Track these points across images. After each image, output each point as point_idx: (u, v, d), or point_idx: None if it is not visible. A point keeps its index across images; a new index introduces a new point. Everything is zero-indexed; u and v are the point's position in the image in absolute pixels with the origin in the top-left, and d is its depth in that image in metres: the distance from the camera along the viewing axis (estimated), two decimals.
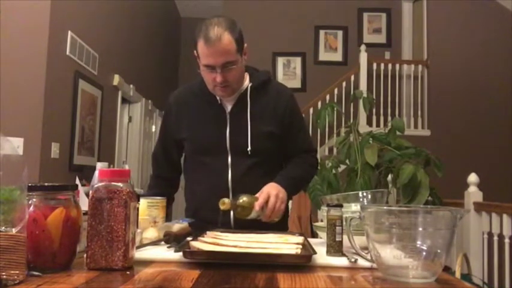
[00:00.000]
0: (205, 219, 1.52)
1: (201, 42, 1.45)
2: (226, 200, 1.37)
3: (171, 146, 1.70)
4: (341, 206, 1.14)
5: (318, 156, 1.93)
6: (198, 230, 1.28)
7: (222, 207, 1.36)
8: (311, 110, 5.75)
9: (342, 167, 3.58)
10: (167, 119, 1.70)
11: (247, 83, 1.60)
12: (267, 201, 1.43)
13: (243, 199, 1.40)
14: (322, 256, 1.06)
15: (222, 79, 1.46)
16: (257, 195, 1.44)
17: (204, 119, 1.59)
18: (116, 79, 4.51)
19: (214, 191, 1.54)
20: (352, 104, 5.58)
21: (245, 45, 1.53)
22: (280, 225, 1.55)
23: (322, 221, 1.51)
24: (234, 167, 1.56)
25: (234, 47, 1.46)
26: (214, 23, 1.45)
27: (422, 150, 3.23)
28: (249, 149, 1.54)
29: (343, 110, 5.49)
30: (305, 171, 1.69)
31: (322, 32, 6.66)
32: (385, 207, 1.01)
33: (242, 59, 1.52)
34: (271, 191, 1.46)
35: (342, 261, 1.04)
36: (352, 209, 1.25)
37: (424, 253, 0.88)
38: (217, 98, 1.58)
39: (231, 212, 1.53)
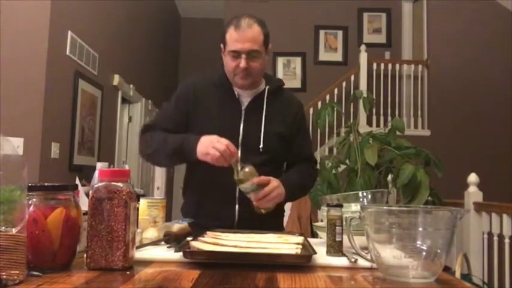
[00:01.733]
0: (209, 212, 1.55)
1: (231, 29, 1.54)
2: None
3: (178, 123, 1.63)
4: (341, 206, 1.14)
5: (318, 156, 1.96)
6: (198, 228, 1.28)
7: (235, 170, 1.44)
8: (311, 110, 5.75)
9: (342, 167, 3.58)
10: (182, 101, 1.64)
11: (263, 85, 1.67)
12: (265, 186, 1.46)
13: (249, 169, 1.45)
14: (322, 256, 1.06)
15: (245, 65, 1.53)
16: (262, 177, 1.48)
17: (220, 110, 1.61)
18: (116, 79, 4.52)
19: (221, 185, 1.56)
20: (352, 104, 5.57)
21: (270, 45, 1.62)
22: (275, 226, 1.59)
23: (322, 221, 1.51)
24: (243, 161, 1.56)
25: (262, 39, 1.55)
26: (245, 15, 1.56)
27: (422, 150, 3.23)
28: (261, 146, 1.58)
29: (343, 110, 5.49)
30: (305, 181, 1.73)
31: (322, 32, 6.66)
32: (385, 207, 1.01)
33: (266, 55, 1.60)
34: (275, 182, 1.49)
35: (342, 261, 1.04)
36: (352, 209, 1.25)
37: (424, 253, 0.88)
38: (236, 93, 1.62)
39: (236, 207, 1.56)
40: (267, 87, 1.66)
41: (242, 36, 1.52)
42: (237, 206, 1.56)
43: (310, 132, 5.95)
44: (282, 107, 1.67)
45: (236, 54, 1.54)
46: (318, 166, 3.33)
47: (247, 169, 1.44)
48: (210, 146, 1.40)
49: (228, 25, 1.57)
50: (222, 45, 1.60)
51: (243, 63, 1.53)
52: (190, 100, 1.64)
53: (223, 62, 1.62)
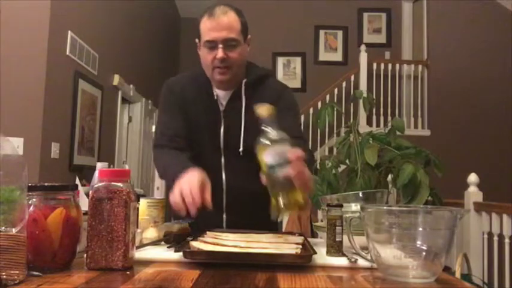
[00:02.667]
0: (196, 220, 1.42)
1: (204, 19, 1.43)
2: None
3: (180, 127, 1.50)
4: (341, 206, 1.14)
5: (318, 156, 1.91)
6: (198, 229, 1.28)
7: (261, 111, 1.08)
8: (311, 110, 5.76)
9: (342, 167, 3.58)
10: (173, 103, 1.53)
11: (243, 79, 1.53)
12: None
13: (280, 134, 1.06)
14: (322, 256, 1.06)
15: (223, 55, 1.40)
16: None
17: (200, 115, 1.50)
18: (116, 79, 4.52)
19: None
20: (352, 104, 5.58)
21: (249, 36, 1.49)
22: (271, 225, 1.51)
23: (322, 221, 1.51)
24: (227, 167, 1.50)
25: (239, 26, 1.43)
26: (220, 4, 1.45)
27: (422, 150, 3.23)
28: (240, 149, 1.46)
29: (343, 110, 5.49)
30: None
31: (322, 32, 6.66)
32: (385, 207, 1.01)
33: (245, 46, 1.47)
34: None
35: (342, 261, 1.03)
36: (352, 209, 1.25)
37: (424, 253, 0.88)
38: (214, 93, 1.50)
39: (224, 216, 1.46)
40: (244, 81, 1.50)
41: (217, 24, 1.40)
42: (224, 215, 1.48)
43: (310, 133, 5.88)
44: (262, 96, 1.47)
45: (212, 45, 1.41)
46: (318, 166, 3.34)
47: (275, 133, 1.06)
48: (179, 191, 1.18)
49: (202, 15, 1.44)
50: (197, 40, 1.48)
51: (220, 53, 1.40)
52: (178, 99, 1.53)
53: (200, 58, 1.48)
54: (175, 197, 1.19)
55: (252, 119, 1.42)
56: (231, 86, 1.49)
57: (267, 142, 0.97)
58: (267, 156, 0.95)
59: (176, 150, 1.46)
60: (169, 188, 1.33)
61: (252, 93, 1.50)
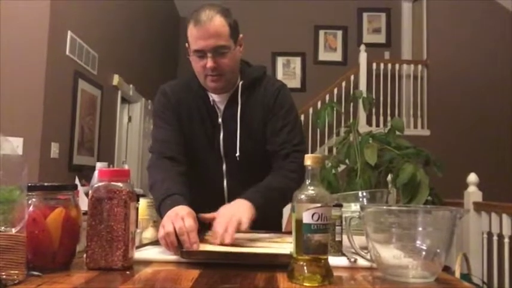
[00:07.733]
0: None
1: (191, 26, 1.37)
2: None
3: (178, 137, 1.47)
4: (341, 206, 1.14)
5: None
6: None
7: None
8: (311, 110, 5.76)
9: (342, 166, 3.58)
10: (167, 108, 1.49)
11: (238, 80, 1.49)
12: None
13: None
14: None
15: (213, 64, 1.35)
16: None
17: (197, 121, 1.48)
18: (116, 79, 4.51)
19: (208, 199, 1.37)
20: (352, 104, 5.58)
21: (240, 35, 1.44)
22: (274, 225, 1.53)
23: None
24: (229, 175, 1.48)
25: (227, 31, 1.36)
26: (206, 7, 1.37)
27: (422, 150, 3.23)
28: (237, 154, 1.44)
29: (343, 110, 5.49)
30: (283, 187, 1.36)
31: (322, 32, 6.67)
32: (385, 207, 1.01)
33: (236, 49, 1.42)
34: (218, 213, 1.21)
35: (341, 261, 1.03)
36: (352, 209, 1.25)
37: (424, 253, 0.88)
38: (210, 98, 1.47)
39: None
40: (240, 84, 1.47)
41: (204, 32, 1.34)
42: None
43: (310, 133, 5.87)
44: (259, 101, 1.48)
45: (201, 54, 1.36)
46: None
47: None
48: (162, 230, 1.08)
49: (189, 20, 1.38)
50: (187, 45, 1.42)
51: (209, 63, 1.35)
52: (173, 106, 1.49)
53: (192, 65, 1.44)
54: (168, 236, 1.06)
55: (248, 124, 1.45)
56: (226, 90, 1.46)
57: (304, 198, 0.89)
58: (304, 214, 0.86)
59: (168, 163, 1.40)
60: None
61: (248, 97, 1.48)
